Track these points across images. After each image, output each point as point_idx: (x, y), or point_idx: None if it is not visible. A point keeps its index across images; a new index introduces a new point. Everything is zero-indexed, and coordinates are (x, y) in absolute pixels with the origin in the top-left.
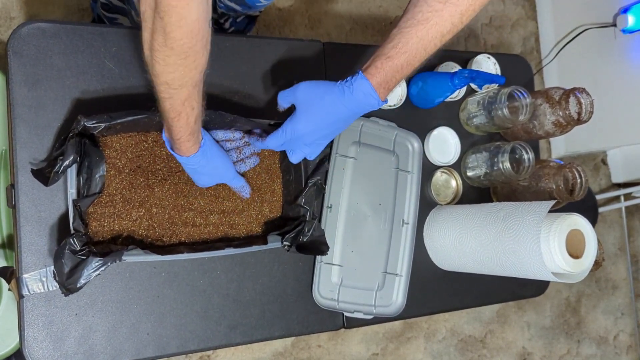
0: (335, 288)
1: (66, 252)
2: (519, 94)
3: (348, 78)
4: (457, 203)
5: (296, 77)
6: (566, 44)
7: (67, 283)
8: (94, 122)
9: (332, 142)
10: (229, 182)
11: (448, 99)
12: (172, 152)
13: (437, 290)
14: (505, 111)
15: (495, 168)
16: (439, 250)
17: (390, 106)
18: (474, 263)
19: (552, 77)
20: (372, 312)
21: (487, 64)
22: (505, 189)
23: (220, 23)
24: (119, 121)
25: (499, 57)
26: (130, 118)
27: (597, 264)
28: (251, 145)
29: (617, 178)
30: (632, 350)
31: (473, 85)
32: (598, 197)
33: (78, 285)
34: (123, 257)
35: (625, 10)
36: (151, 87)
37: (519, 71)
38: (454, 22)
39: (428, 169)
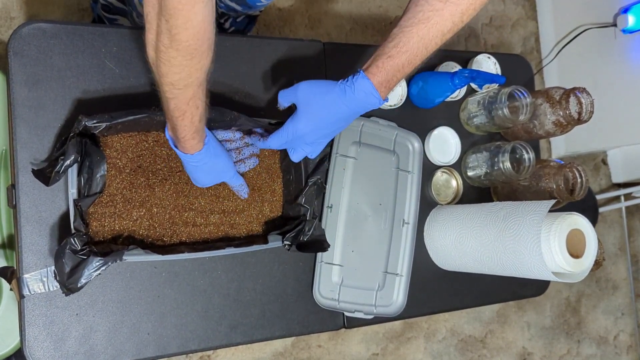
0: (335, 288)
1: (67, 252)
2: (519, 93)
3: (349, 77)
4: (458, 203)
5: (296, 77)
6: (566, 44)
7: (68, 283)
8: (94, 121)
9: (332, 141)
10: (229, 180)
11: (448, 99)
12: (175, 150)
13: (437, 290)
14: (506, 111)
15: (495, 168)
16: (440, 250)
17: (390, 106)
18: (475, 263)
19: (552, 77)
20: (372, 312)
21: (487, 63)
22: (505, 189)
23: (220, 23)
24: (119, 121)
25: (499, 57)
26: (130, 117)
27: (598, 264)
28: (251, 146)
29: (617, 178)
30: (632, 350)
31: (473, 85)
32: (598, 197)
33: (79, 285)
34: (124, 257)
35: (625, 10)
36: (152, 87)
37: (519, 71)
38: (455, 21)
39: (428, 169)
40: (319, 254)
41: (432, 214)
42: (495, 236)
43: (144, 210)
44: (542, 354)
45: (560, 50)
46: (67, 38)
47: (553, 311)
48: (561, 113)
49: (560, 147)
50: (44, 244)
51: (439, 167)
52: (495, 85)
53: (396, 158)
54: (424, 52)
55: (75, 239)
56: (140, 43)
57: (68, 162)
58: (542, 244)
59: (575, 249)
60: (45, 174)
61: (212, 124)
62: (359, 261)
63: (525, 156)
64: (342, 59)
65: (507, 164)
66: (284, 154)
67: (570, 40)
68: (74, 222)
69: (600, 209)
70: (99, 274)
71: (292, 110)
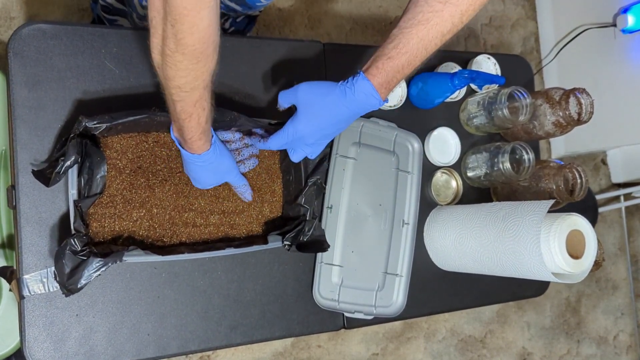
0: (335, 288)
1: (67, 253)
2: (519, 94)
3: (349, 78)
4: (457, 203)
5: (296, 78)
6: (566, 44)
7: (68, 284)
8: (95, 122)
9: (332, 142)
10: (233, 180)
11: (448, 100)
12: (182, 151)
13: (437, 290)
14: (506, 111)
15: (495, 168)
16: (439, 251)
17: (390, 107)
18: (474, 263)
19: (552, 77)
20: (372, 313)
21: (487, 64)
22: (505, 190)
23: (220, 23)
24: (119, 122)
25: (499, 57)
26: (131, 118)
27: (597, 265)
28: (250, 147)
29: (617, 178)
30: (632, 350)
31: (473, 86)
32: (598, 197)
33: (79, 285)
34: (124, 258)
35: (625, 10)
36: (154, 88)
37: (519, 71)
38: (455, 22)
39: (428, 170)
40: (319, 255)
41: (431, 215)
42: (495, 237)
43: (144, 211)
44: (542, 354)
45: (560, 51)
46: (67, 39)
47: (553, 311)
48: (561, 114)
49: (559, 147)
50: (44, 245)
51: (439, 167)
52: (495, 86)
53: (396, 159)
54: (423, 53)
55: (75, 239)
56: (141, 44)
57: (68, 162)
58: (541, 244)
59: (575, 250)
60: (46, 175)
61: (213, 125)
62: (358, 262)
63: (525, 157)
64: (342, 59)
65: (507, 165)
66: (283, 154)
67: (570, 40)
68: (74, 223)
69: (600, 209)
70: (99, 274)
71: (292, 110)
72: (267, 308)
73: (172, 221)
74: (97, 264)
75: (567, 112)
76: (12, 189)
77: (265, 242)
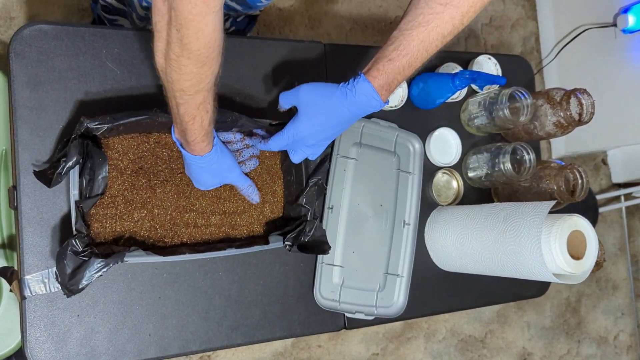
0: (336, 289)
1: (68, 254)
2: (519, 94)
3: (350, 80)
4: (458, 204)
5: (297, 79)
6: (566, 44)
7: (69, 284)
8: (96, 123)
9: (333, 142)
10: (235, 180)
11: (449, 100)
12: (183, 152)
13: (438, 290)
14: (506, 112)
15: (496, 169)
16: (440, 251)
17: (391, 107)
18: (475, 264)
19: (553, 77)
20: (373, 313)
21: (487, 64)
22: (506, 190)
23: None
24: (121, 122)
25: (499, 57)
26: (132, 119)
27: (598, 265)
28: (251, 148)
29: (617, 178)
30: (632, 350)
31: (474, 86)
32: (598, 197)
33: (80, 286)
34: (125, 259)
35: (625, 10)
36: (155, 89)
37: (520, 72)
38: (455, 24)
39: (429, 170)
40: (320, 255)
41: (432, 215)
42: (495, 237)
43: (145, 211)
44: (542, 354)
45: (560, 51)
46: (69, 39)
47: (553, 311)
48: (562, 114)
49: (560, 147)
50: (45, 246)
51: (440, 168)
52: (495, 86)
53: (397, 159)
54: (424, 55)
55: (77, 240)
56: (142, 45)
57: (70, 163)
58: (542, 245)
59: (575, 251)
60: (47, 176)
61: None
62: (359, 262)
63: (526, 157)
64: (342, 60)
65: (508, 165)
66: (284, 155)
67: (571, 40)
68: (75, 224)
69: (600, 209)
70: (100, 275)
71: (292, 111)
72: (268, 308)
73: (174, 222)
74: (99, 265)
75: (568, 113)
76: (13, 190)
77: (266, 243)
